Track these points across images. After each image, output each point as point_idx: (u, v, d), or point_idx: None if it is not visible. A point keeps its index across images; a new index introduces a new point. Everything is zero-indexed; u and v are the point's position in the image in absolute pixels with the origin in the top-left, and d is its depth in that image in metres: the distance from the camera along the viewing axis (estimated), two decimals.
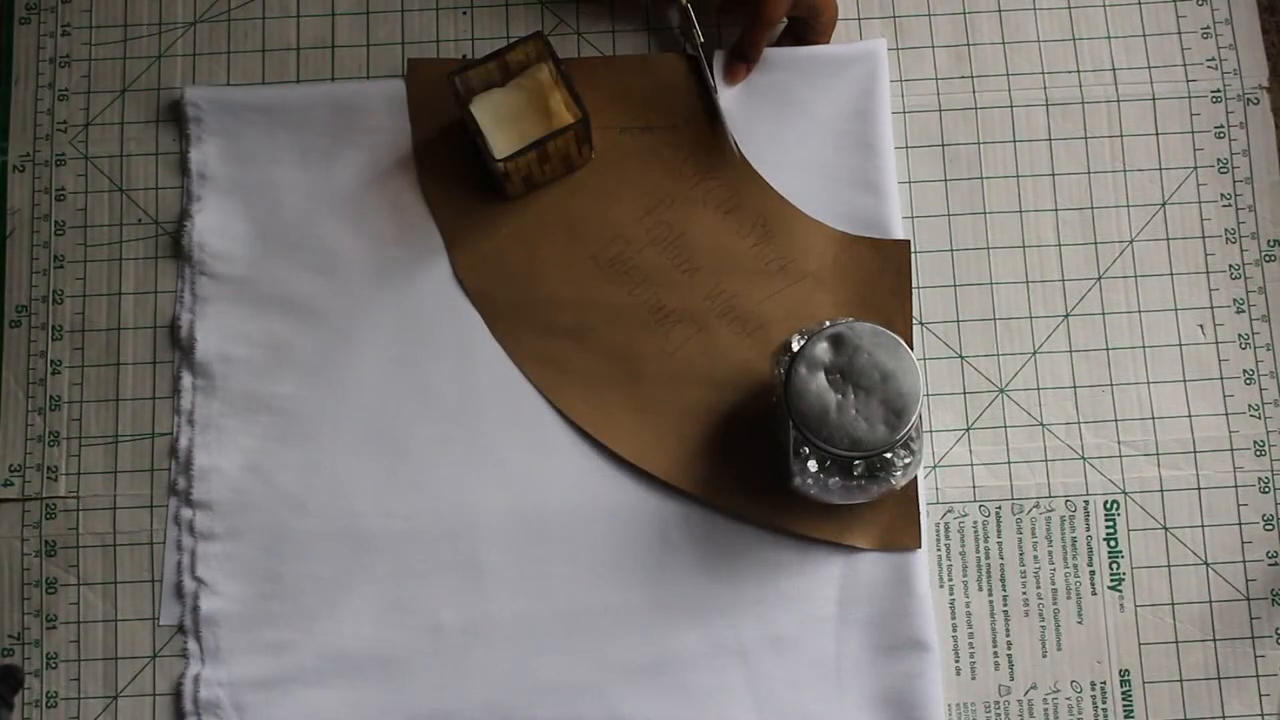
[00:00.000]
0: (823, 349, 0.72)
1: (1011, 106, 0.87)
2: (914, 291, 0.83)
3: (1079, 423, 0.83)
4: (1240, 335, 0.84)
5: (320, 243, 0.84)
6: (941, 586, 0.81)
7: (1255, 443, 0.83)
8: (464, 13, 0.89)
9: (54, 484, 0.83)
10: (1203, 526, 0.82)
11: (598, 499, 0.81)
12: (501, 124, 0.81)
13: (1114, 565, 0.81)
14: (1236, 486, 0.82)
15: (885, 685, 0.79)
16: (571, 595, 0.80)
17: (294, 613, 0.80)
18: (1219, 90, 0.87)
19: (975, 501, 0.82)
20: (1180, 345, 0.84)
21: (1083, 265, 0.85)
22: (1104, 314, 0.84)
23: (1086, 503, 0.82)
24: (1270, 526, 0.82)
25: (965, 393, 0.83)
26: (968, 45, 0.88)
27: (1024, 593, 0.81)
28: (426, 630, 0.80)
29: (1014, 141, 0.86)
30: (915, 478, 0.79)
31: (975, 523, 0.82)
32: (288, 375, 0.83)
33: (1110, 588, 0.81)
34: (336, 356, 0.83)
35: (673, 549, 0.80)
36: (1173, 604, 0.81)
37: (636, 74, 0.86)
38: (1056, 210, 0.86)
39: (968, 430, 0.83)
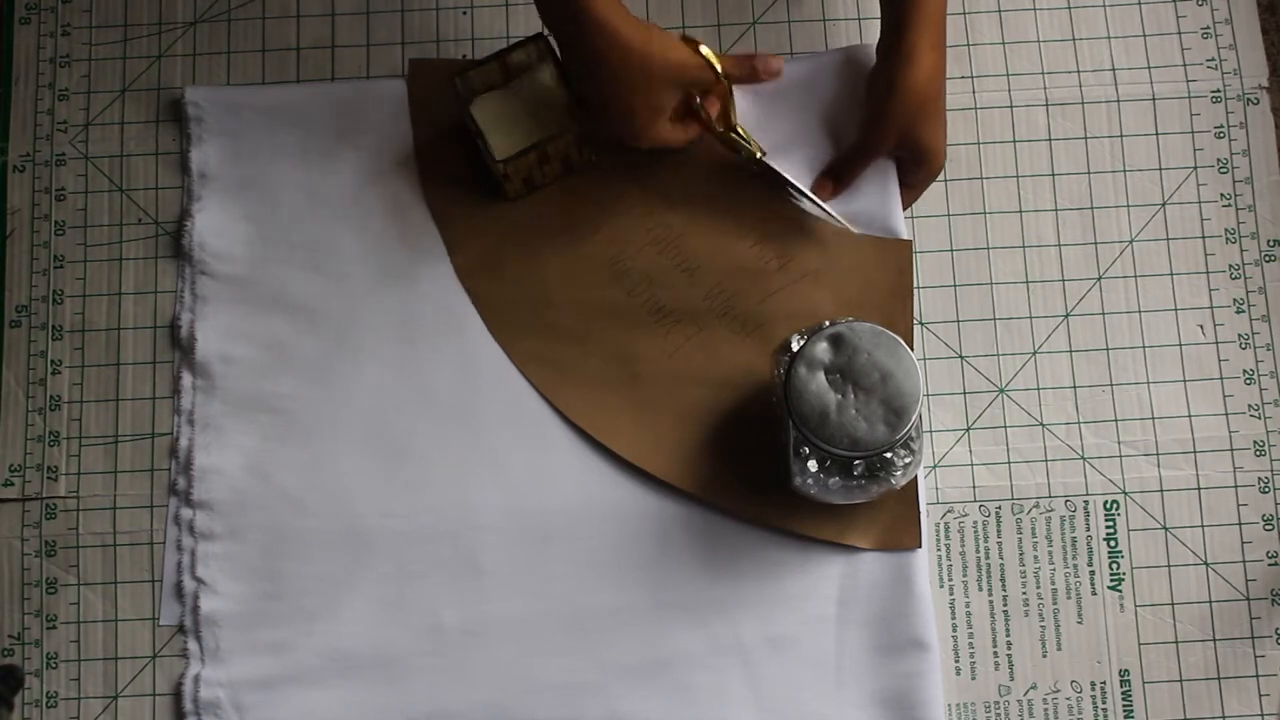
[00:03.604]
0: (823, 349, 0.72)
1: (1011, 106, 0.87)
2: (914, 291, 0.83)
3: (1079, 423, 0.83)
4: (1240, 335, 0.84)
5: (320, 243, 0.84)
6: (941, 586, 0.81)
7: (1255, 443, 0.83)
8: (464, 13, 0.89)
9: (54, 484, 0.83)
10: (1203, 526, 0.82)
11: (598, 499, 0.81)
12: (502, 125, 0.81)
13: (1114, 565, 0.81)
14: (1236, 486, 0.82)
15: (885, 685, 0.79)
16: (571, 595, 0.80)
17: (294, 613, 0.80)
18: (1219, 90, 0.87)
19: (975, 501, 0.82)
20: (1180, 345, 0.84)
21: (1083, 265, 0.85)
22: (1104, 314, 0.84)
23: (1086, 503, 0.82)
24: (1270, 526, 0.82)
25: (965, 393, 0.83)
26: (968, 45, 0.88)
27: (1024, 593, 0.81)
28: (426, 630, 0.80)
29: (1014, 141, 0.86)
30: (915, 478, 0.79)
31: (975, 523, 0.82)
32: (288, 375, 0.83)
33: (1110, 588, 0.81)
34: (336, 356, 0.83)
35: (673, 549, 0.80)
36: (1173, 604, 0.81)
37: None
38: (1056, 210, 0.86)
39: (968, 430, 0.83)
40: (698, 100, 0.79)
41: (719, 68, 0.78)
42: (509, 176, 0.81)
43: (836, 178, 0.83)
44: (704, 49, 0.77)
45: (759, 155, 0.82)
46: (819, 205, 0.82)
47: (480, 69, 0.81)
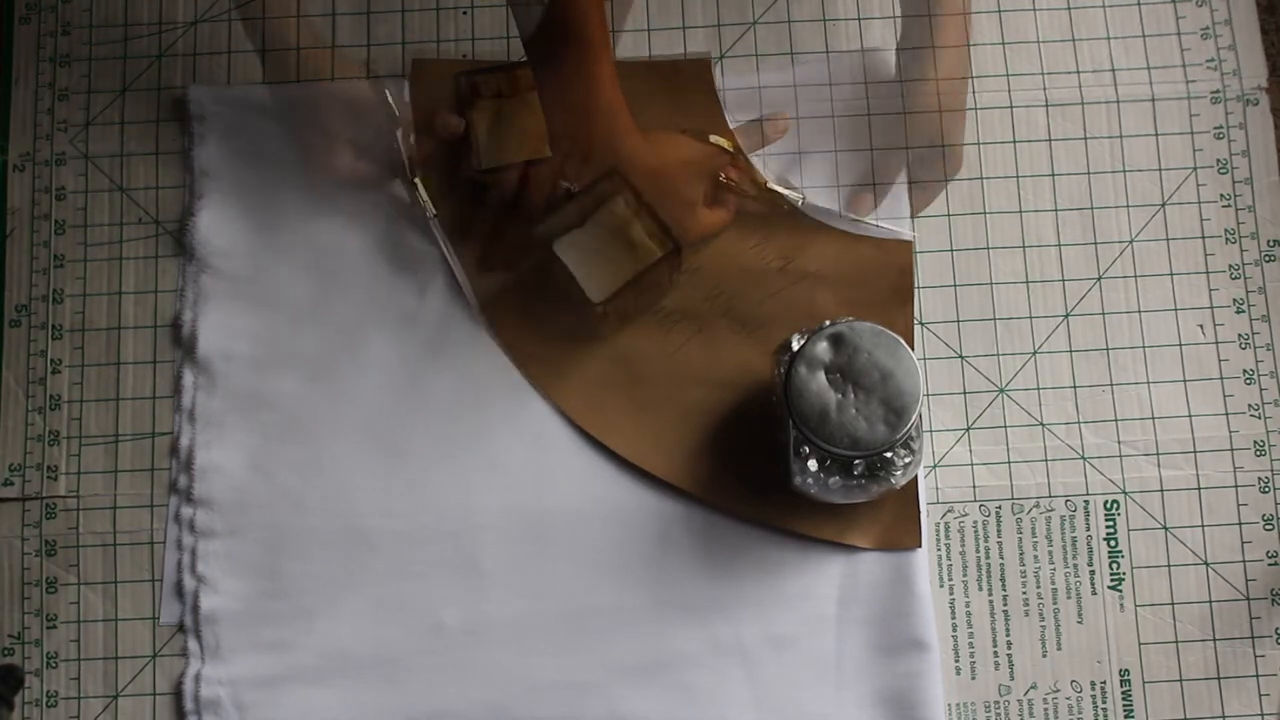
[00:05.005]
0: (823, 348, 0.72)
1: (1011, 107, 0.87)
2: (915, 291, 0.83)
3: (1079, 423, 0.83)
4: (1240, 335, 0.84)
5: (322, 241, 0.84)
6: (941, 586, 0.81)
7: (1255, 443, 0.83)
8: (464, 13, 0.89)
9: (54, 484, 0.83)
10: (1203, 526, 0.82)
11: (598, 499, 0.81)
12: (498, 133, 0.81)
13: (1114, 565, 0.81)
14: (1236, 486, 0.82)
15: (885, 685, 0.79)
16: (571, 595, 0.80)
17: (294, 611, 0.80)
18: (1218, 91, 0.87)
19: (975, 501, 0.82)
20: (1180, 345, 0.84)
21: (1083, 265, 0.85)
22: (1104, 314, 0.84)
23: (1086, 503, 0.82)
24: (1270, 526, 0.82)
25: (965, 393, 0.83)
26: (968, 45, 0.88)
27: (1024, 593, 0.81)
28: (426, 630, 0.80)
29: (1014, 142, 0.86)
30: (915, 477, 0.79)
31: (975, 523, 0.82)
32: (288, 373, 0.83)
33: (1110, 588, 0.81)
34: (337, 355, 0.83)
35: (673, 549, 0.80)
36: (1173, 604, 0.81)
37: (642, 78, 0.86)
38: (1056, 210, 0.86)
39: (968, 430, 0.83)
40: (723, 176, 0.80)
41: (731, 146, 0.78)
42: (487, 187, 0.81)
43: (872, 188, 0.83)
44: (713, 138, 0.78)
45: (802, 200, 0.82)
46: (861, 221, 0.82)
47: (487, 75, 0.80)
